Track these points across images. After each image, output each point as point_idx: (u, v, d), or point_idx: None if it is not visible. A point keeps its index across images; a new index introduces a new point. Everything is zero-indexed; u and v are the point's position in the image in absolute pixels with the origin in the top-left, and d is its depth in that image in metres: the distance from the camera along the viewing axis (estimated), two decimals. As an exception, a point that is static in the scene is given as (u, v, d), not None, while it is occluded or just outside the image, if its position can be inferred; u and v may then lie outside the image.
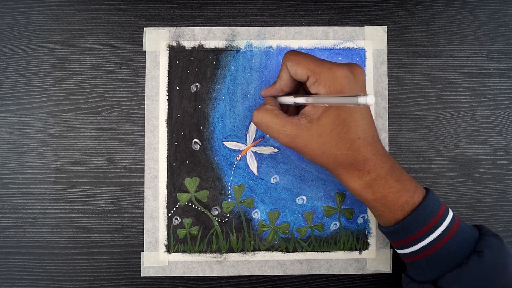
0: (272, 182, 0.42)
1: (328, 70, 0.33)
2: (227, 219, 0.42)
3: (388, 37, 0.43)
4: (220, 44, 0.43)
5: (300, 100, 0.34)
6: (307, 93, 0.37)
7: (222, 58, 0.43)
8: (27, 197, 0.42)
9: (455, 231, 0.33)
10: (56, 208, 0.42)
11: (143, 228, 0.42)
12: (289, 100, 0.36)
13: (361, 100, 0.25)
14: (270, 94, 0.38)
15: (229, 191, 0.42)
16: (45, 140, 0.42)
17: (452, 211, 0.35)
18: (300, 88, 0.38)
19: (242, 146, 0.42)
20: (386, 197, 0.34)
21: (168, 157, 0.42)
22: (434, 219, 0.33)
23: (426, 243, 0.33)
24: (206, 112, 0.42)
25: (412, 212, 0.33)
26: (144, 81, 0.42)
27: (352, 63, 0.34)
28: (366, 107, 0.34)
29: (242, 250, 0.42)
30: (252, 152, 0.42)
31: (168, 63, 0.42)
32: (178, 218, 0.42)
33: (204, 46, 0.43)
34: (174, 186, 0.42)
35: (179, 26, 0.43)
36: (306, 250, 0.42)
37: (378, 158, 0.34)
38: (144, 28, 0.43)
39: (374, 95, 0.42)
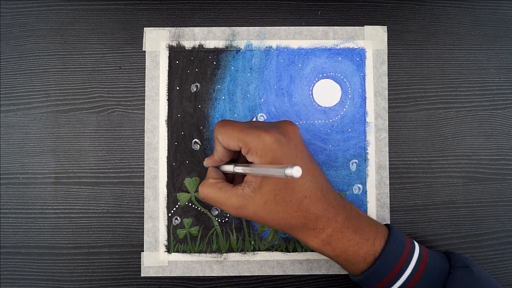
0: (272, 182, 0.42)
1: (256, 139, 0.32)
2: (227, 219, 0.42)
3: (388, 37, 0.43)
4: (220, 44, 0.43)
5: (239, 169, 0.34)
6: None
7: (222, 58, 0.43)
8: (27, 197, 0.42)
9: (423, 270, 0.33)
10: (56, 208, 0.42)
11: (143, 228, 0.42)
12: (230, 168, 0.36)
13: (288, 172, 0.25)
14: (212, 165, 0.38)
15: (229, 191, 0.42)
16: (45, 140, 0.42)
17: (418, 243, 0.35)
18: (241, 154, 0.37)
19: (242, 146, 0.42)
20: (346, 251, 0.33)
21: (168, 157, 0.42)
22: (399, 264, 0.33)
23: (397, 287, 0.33)
24: (206, 112, 0.42)
25: (375, 262, 0.33)
26: (144, 81, 0.42)
27: (283, 122, 0.34)
28: (307, 160, 0.34)
29: (242, 250, 0.42)
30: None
31: (168, 63, 0.42)
32: (178, 218, 0.42)
33: (204, 46, 0.43)
34: (174, 186, 0.42)
35: (179, 26, 0.43)
36: (306, 250, 0.42)
37: (330, 212, 0.33)
38: (144, 28, 0.43)
39: (374, 95, 0.43)
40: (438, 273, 0.34)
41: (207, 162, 0.38)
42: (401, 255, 0.33)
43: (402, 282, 0.33)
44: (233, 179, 0.39)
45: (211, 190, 0.35)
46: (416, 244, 0.35)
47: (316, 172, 0.34)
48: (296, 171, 0.24)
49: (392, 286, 0.33)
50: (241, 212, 0.33)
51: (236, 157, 0.39)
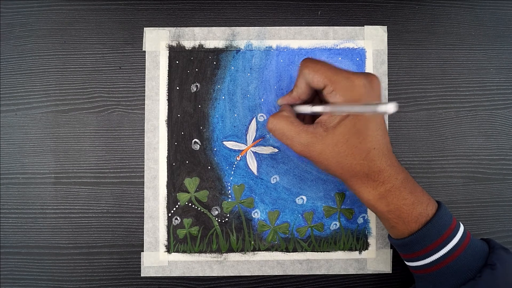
0: (272, 182, 0.42)
1: (345, 79, 0.32)
2: (227, 219, 0.42)
3: (388, 37, 0.43)
4: (220, 44, 0.43)
5: (318, 108, 0.33)
6: (323, 102, 0.37)
7: (222, 58, 0.43)
8: (27, 197, 0.42)
9: (467, 244, 0.33)
10: (56, 208, 0.42)
11: (143, 228, 0.42)
12: (306, 109, 0.35)
13: (381, 108, 0.25)
14: (287, 103, 0.37)
15: (229, 191, 0.42)
16: (45, 140, 0.42)
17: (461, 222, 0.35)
18: (315, 97, 0.38)
19: (242, 146, 0.42)
20: (400, 208, 0.34)
21: (168, 157, 0.42)
22: (447, 232, 0.33)
23: (439, 256, 0.33)
24: (206, 112, 0.42)
25: (427, 223, 0.33)
26: (144, 81, 0.42)
27: (369, 73, 0.34)
28: (381, 117, 0.34)
29: (242, 250, 0.42)
30: (252, 152, 0.42)
31: (168, 63, 0.42)
32: (178, 218, 0.42)
33: (204, 46, 0.43)
34: (174, 186, 0.42)
35: (179, 26, 0.43)
36: (306, 250, 0.42)
37: (393, 169, 0.34)
38: (144, 28, 0.43)
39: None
40: (479, 251, 0.34)
41: (283, 100, 0.37)
42: (449, 224, 0.34)
43: (448, 250, 0.33)
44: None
45: (282, 122, 0.34)
46: (460, 222, 0.36)
47: (386, 130, 0.35)
48: (390, 107, 0.24)
49: (436, 253, 0.33)
50: (307, 149, 0.33)
51: (310, 102, 0.38)
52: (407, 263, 0.37)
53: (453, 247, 0.33)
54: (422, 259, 0.34)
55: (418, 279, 0.36)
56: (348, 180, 0.35)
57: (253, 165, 0.42)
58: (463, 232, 0.34)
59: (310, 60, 0.35)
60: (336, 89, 0.32)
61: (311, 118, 0.38)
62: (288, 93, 0.37)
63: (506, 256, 0.33)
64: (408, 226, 0.34)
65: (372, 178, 0.33)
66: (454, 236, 0.33)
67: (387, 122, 0.43)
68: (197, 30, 0.43)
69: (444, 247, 0.33)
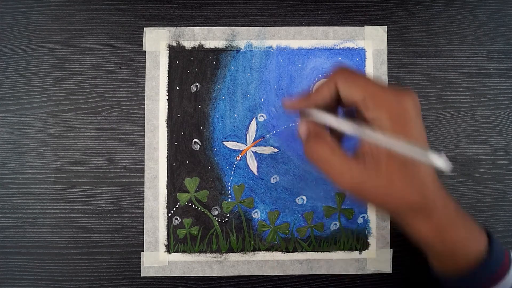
0: (272, 182, 0.42)
1: (393, 96, 0.28)
2: (227, 219, 0.42)
3: (388, 37, 0.43)
4: (220, 44, 0.43)
5: (348, 127, 0.28)
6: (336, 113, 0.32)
7: (222, 58, 0.43)
8: (27, 197, 0.42)
9: None
10: (56, 208, 0.42)
11: (143, 228, 0.42)
12: (331, 121, 0.29)
13: (435, 160, 0.21)
14: (299, 107, 0.33)
15: (229, 191, 0.42)
16: (45, 140, 0.42)
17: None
18: (333, 108, 0.33)
19: (242, 146, 0.42)
20: (455, 243, 0.30)
21: (168, 157, 0.42)
22: (503, 268, 0.30)
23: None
24: (206, 112, 0.42)
25: (482, 262, 0.30)
26: (144, 81, 0.42)
27: (410, 92, 0.29)
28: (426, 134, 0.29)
29: (242, 250, 0.42)
30: (252, 152, 0.42)
31: (168, 63, 0.42)
32: (178, 218, 0.42)
33: (204, 46, 0.43)
34: (174, 186, 0.42)
35: (179, 26, 0.43)
36: (306, 250, 0.42)
37: (444, 196, 0.29)
38: (144, 28, 0.43)
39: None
40: None
41: (293, 104, 0.32)
42: (502, 259, 0.30)
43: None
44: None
45: (325, 151, 0.29)
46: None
47: None
48: (447, 165, 0.21)
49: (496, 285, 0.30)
50: (358, 188, 0.28)
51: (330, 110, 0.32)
52: None
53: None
54: None
55: None
56: (402, 216, 0.30)
57: (253, 165, 0.42)
58: None
59: (346, 69, 0.30)
60: (378, 106, 0.28)
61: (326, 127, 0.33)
62: (302, 95, 0.33)
63: None
64: (466, 260, 0.30)
65: (427, 210, 0.29)
66: (508, 272, 0.30)
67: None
68: (197, 30, 0.43)
69: (503, 279, 0.30)
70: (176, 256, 0.42)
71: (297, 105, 0.32)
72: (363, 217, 0.43)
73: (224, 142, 0.42)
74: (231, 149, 0.42)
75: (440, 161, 0.22)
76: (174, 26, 0.43)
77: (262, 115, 0.43)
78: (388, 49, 0.43)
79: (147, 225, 0.42)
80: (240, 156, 0.42)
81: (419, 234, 0.30)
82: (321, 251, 0.42)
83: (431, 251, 0.31)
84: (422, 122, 0.29)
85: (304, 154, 0.31)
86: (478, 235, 0.31)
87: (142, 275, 0.42)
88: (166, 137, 0.42)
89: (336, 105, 0.32)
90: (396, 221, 0.31)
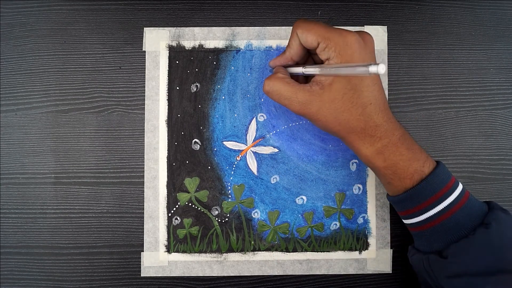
0: (272, 182, 0.42)
1: (338, 36, 0.33)
2: (227, 219, 0.42)
3: (388, 37, 0.43)
4: (220, 44, 0.43)
5: (310, 70, 0.34)
6: (315, 63, 0.38)
7: (222, 58, 0.43)
8: (27, 197, 0.42)
9: (464, 203, 0.33)
10: (56, 208, 0.42)
11: (143, 228, 0.42)
12: (299, 70, 0.36)
13: (372, 69, 0.25)
14: (279, 64, 0.38)
15: (229, 191, 0.42)
16: (45, 140, 0.42)
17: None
18: (308, 59, 0.38)
19: (242, 146, 0.42)
20: (396, 164, 0.34)
21: (168, 157, 0.42)
22: (443, 190, 0.33)
23: (433, 213, 0.33)
24: (206, 112, 0.42)
25: (422, 181, 0.33)
26: (144, 81, 0.42)
27: (363, 31, 0.35)
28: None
29: (242, 250, 0.42)
30: (252, 152, 0.42)
31: (168, 63, 0.42)
32: (178, 218, 0.42)
33: (204, 46, 0.43)
34: (174, 186, 0.42)
35: (179, 26, 0.43)
36: (306, 250, 0.42)
37: (390, 124, 0.34)
38: (144, 28, 0.43)
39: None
40: (476, 211, 0.34)
41: (275, 61, 0.38)
42: (446, 183, 0.34)
43: (443, 207, 0.33)
44: None
45: (278, 83, 0.35)
46: (460, 183, 0.36)
47: (382, 86, 0.35)
48: (381, 68, 0.25)
49: (430, 210, 0.33)
50: (305, 108, 0.34)
51: (302, 63, 0.38)
52: (404, 221, 0.37)
53: (448, 205, 0.33)
54: (417, 216, 0.34)
55: (415, 237, 0.37)
56: (346, 136, 0.35)
57: (253, 165, 0.42)
58: (461, 191, 0.34)
59: (303, 20, 0.35)
60: (329, 46, 0.33)
61: (305, 80, 0.38)
62: (280, 54, 0.38)
63: (503, 216, 0.33)
64: (403, 182, 0.34)
65: (369, 133, 0.34)
66: (450, 194, 0.33)
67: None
68: (197, 30, 0.43)
69: (439, 204, 0.33)
70: (176, 256, 0.42)
71: (278, 63, 0.38)
72: (363, 217, 0.43)
73: (224, 142, 0.42)
74: (231, 149, 0.42)
75: (376, 68, 0.25)
76: (174, 26, 0.43)
77: (262, 115, 0.43)
78: (388, 49, 0.43)
79: (147, 225, 0.42)
80: (240, 156, 0.42)
81: (361, 153, 0.35)
82: (321, 251, 0.42)
83: (374, 169, 0.36)
84: (369, 51, 0.34)
85: (263, 90, 0.37)
86: (424, 159, 0.34)
87: (142, 275, 0.42)
88: (166, 137, 0.42)
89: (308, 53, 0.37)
90: (341, 140, 0.36)
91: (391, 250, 0.42)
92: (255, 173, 0.42)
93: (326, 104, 0.33)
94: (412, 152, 0.34)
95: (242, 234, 0.42)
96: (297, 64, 0.37)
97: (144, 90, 0.42)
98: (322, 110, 0.34)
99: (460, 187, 0.34)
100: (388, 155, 0.34)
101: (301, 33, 0.34)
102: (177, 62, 0.43)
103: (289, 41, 0.36)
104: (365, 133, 0.34)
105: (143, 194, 0.42)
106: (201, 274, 0.42)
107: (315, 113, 0.34)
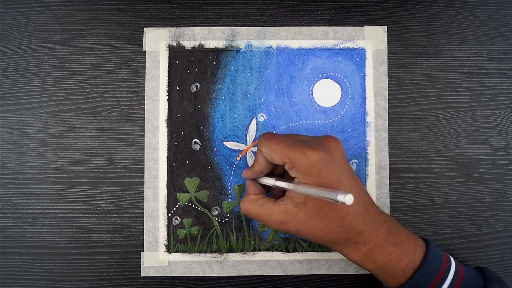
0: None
1: (302, 156, 0.32)
2: (227, 219, 0.42)
3: (388, 37, 0.43)
4: (220, 44, 0.43)
5: (281, 184, 0.34)
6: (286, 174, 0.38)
7: (222, 58, 0.43)
8: (27, 197, 0.42)
9: (460, 284, 0.33)
10: (56, 208, 0.42)
11: (143, 228, 0.42)
12: (270, 182, 0.36)
13: (340, 198, 0.25)
14: (251, 177, 0.38)
15: (229, 191, 0.42)
16: (45, 140, 0.42)
17: (454, 259, 0.35)
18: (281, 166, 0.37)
19: (242, 146, 0.42)
20: (386, 264, 0.33)
21: (168, 157, 0.42)
22: (438, 277, 0.33)
23: None
24: (206, 112, 0.42)
25: (414, 275, 0.33)
26: (144, 81, 0.42)
27: (327, 137, 0.35)
28: (351, 176, 0.34)
29: (242, 250, 0.42)
30: (252, 152, 0.42)
31: (168, 63, 0.42)
32: (178, 218, 0.42)
33: (204, 46, 0.43)
34: (174, 186, 0.42)
35: (179, 26, 0.43)
36: (306, 250, 0.42)
37: (372, 226, 0.33)
38: (144, 28, 0.43)
39: (374, 95, 0.43)
40: (474, 286, 0.34)
41: (246, 174, 0.38)
42: (438, 269, 0.33)
43: None
44: (270, 190, 0.39)
45: (253, 207, 0.35)
46: (452, 259, 0.35)
47: (358, 188, 0.34)
48: (348, 199, 0.25)
49: None
50: (284, 227, 0.34)
51: (275, 171, 0.39)
52: None
53: None
54: None
55: None
56: (331, 246, 0.35)
57: (253, 165, 0.42)
58: (455, 272, 0.34)
59: (267, 137, 0.35)
60: (295, 167, 0.32)
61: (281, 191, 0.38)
62: (250, 167, 0.38)
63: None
64: (397, 279, 0.34)
65: (352, 242, 0.33)
66: (445, 279, 0.33)
67: (387, 123, 0.42)
68: (197, 30, 0.43)
69: None
70: (176, 256, 0.42)
71: (248, 176, 0.38)
72: (363, 217, 0.43)
73: (224, 142, 0.42)
74: (231, 149, 0.42)
75: (344, 197, 0.25)
76: (174, 26, 0.43)
77: (262, 115, 0.43)
78: (388, 49, 0.43)
79: (147, 225, 0.42)
80: (240, 156, 0.42)
81: (349, 258, 0.35)
82: (321, 251, 0.42)
83: (366, 270, 0.35)
84: (337, 166, 0.33)
85: (240, 211, 0.38)
86: (413, 249, 0.34)
87: (142, 275, 0.42)
88: (166, 137, 0.42)
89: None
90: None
91: (391, 250, 0.42)
92: (255, 173, 0.42)
93: (304, 222, 0.33)
94: (400, 248, 0.33)
95: (242, 234, 0.42)
96: (269, 173, 0.38)
97: (144, 90, 0.42)
98: (300, 228, 0.33)
99: (453, 267, 0.34)
100: (376, 257, 0.33)
101: (265, 152, 0.34)
102: (177, 62, 0.43)
103: (256, 156, 0.36)
104: (348, 242, 0.33)
105: (143, 194, 0.42)
106: (201, 274, 0.42)
107: (294, 231, 0.34)
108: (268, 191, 0.40)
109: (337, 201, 0.25)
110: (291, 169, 0.33)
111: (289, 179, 0.35)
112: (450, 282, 0.33)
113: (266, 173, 0.37)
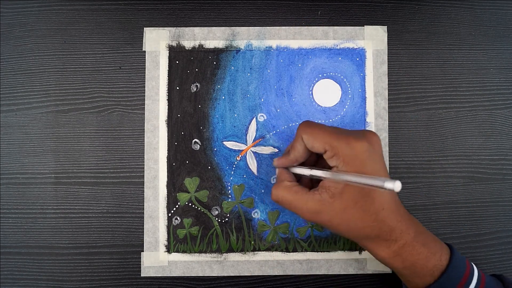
0: (272, 182, 0.42)
1: (346, 145, 0.32)
2: (227, 219, 0.42)
3: (388, 37, 0.43)
4: (220, 44, 0.43)
5: (318, 173, 0.33)
6: (319, 164, 0.37)
7: (222, 58, 0.43)
8: (27, 197, 0.42)
9: None
10: (56, 208, 0.42)
11: (143, 228, 0.42)
12: (305, 172, 0.35)
13: (388, 185, 0.25)
14: (284, 165, 0.37)
15: (229, 191, 0.42)
16: (45, 140, 0.42)
17: (478, 267, 0.35)
18: (311, 157, 0.37)
19: (242, 146, 0.42)
20: (415, 264, 0.33)
21: (168, 157, 0.42)
22: (463, 280, 0.33)
23: None
24: (206, 112, 0.42)
25: (442, 276, 0.33)
26: (144, 81, 0.42)
27: (368, 132, 0.34)
28: (387, 171, 0.33)
29: (242, 250, 0.42)
30: (252, 152, 0.42)
31: (168, 63, 0.42)
32: (178, 218, 0.42)
33: (204, 46, 0.43)
34: (174, 186, 0.42)
35: (179, 26, 0.43)
36: (306, 250, 0.42)
37: (403, 224, 0.33)
38: (144, 28, 0.43)
39: (374, 95, 0.43)
40: None
41: (279, 162, 0.37)
42: (463, 272, 0.33)
43: None
44: (299, 182, 0.38)
45: (286, 194, 0.34)
46: (473, 264, 0.35)
47: None
48: (397, 186, 0.25)
49: None
50: (316, 217, 0.33)
51: (308, 162, 0.38)
52: None
53: None
54: None
55: None
56: (360, 241, 0.34)
57: (253, 165, 0.42)
58: (478, 276, 0.33)
59: (308, 124, 0.34)
60: (337, 155, 0.32)
61: (310, 181, 0.38)
62: (284, 154, 0.37)
63: None
64: (424, 279, 0.33)
65: (384, 238, 0.33)
66: (470, 283, 0.33)
67: (387, 123, 0.43)
68: (197, 30, 0.43)
69: None
70: (176, 256, 0.42)
71: (282, 164, 0.37)
72: (363, 217, 0.43)
73: (224, 142, 0.42)
74: (231, 149, 0.42)
75: (393, 184, 0.25)
76: (174, 26, 0.43)
77: (262, 115, 0.43)
78: (388, 49, 0.43)
79: (147, 225, 0.42)
80: (240, 156, 0.42)
81: (378, 256, 0.34)
82: (321, 251, 0.42)
83: (393, 269, 0.35)
84: (378, 158, 0.33)
85: (271, 199, 0.37)
86: (440, 250, 0.34)
87: (142, 275, 0.42)
88: (166, 137, 0.42)
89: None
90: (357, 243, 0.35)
91: (391, 250, 0.42)
92: (255, 173, 0.42)
93: (338, 214, 0.32)
94: (428, 248, 0.33)
95: (242, 234, 0.42)
96: (302, 164, 0.37)
97: (144, 90, 0.42)
98: (334, 219, 0.33)
99: (475, 271, 0.34)
100: (406, 256, 0.33)
101: (306, 139, 0.34)
102: (177, 62, 0.43)
103: (294, 143, 0.35)
104: (380, 238, 0.33)
105: (143, 194, 0.42)
106: (201, 274, 0.42)
107: (326, 222, 0.33)
108: None
109: (385, 188, 0.25)
110: (332, 157, 0.32)
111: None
112: (474, 287, 0.33)
113: (300, 162, 0.36)
